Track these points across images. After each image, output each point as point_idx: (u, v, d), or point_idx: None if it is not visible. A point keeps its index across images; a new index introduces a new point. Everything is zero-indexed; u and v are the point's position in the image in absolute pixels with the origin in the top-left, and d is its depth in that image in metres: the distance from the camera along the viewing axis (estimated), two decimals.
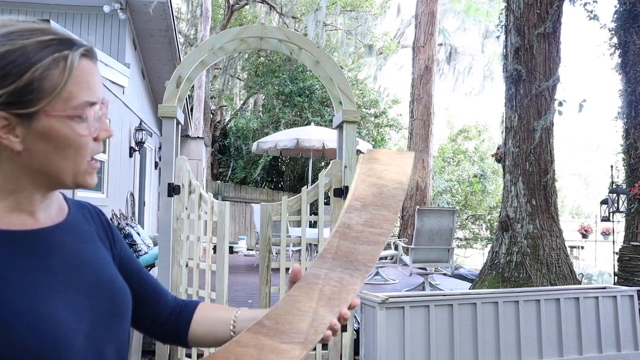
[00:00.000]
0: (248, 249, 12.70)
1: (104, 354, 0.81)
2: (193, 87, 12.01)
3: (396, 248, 7.77)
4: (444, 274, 8.53)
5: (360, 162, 0.96)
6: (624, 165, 6.64)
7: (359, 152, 9.70)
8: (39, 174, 0.77)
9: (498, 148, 6.78)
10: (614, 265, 6.15)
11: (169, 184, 3.72)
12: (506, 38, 6.41)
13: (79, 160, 0.78)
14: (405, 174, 0.93)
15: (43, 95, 0.73)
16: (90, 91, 0.77)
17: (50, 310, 0.73)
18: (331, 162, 3.88)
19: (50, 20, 5.16)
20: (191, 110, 13.29)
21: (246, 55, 16.38)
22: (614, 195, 6.19)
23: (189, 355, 3.73)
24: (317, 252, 4.56)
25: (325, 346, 3.83)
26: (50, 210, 0.83)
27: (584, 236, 14.45)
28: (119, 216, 6.56)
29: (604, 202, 6.41)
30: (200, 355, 3.64)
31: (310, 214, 3.96)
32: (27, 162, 0.75)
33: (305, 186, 3.98)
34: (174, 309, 1.02)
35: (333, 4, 17.24)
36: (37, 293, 0.73)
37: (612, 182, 6.58)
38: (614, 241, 7.10)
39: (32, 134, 0.74)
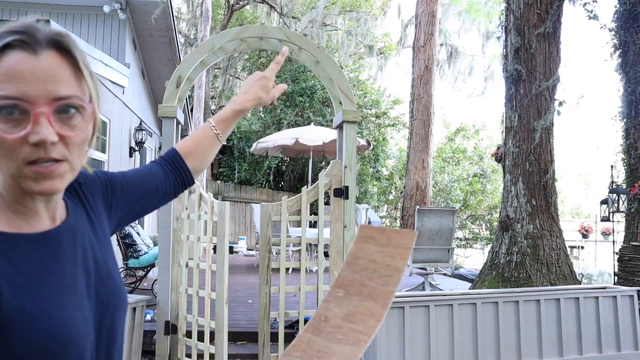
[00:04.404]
0: (248, 249, 12.71)
1: (111, 352, 0.82)
2: (193, 87, 12.01)
3: None
4: (444, 274, 8.52)
5: (354, 240, 0.82)
6: (624, 165, 6.64)
7: (359, 147, 9.70)
8: (3, 177, 0.75)
9: (498, 148, 6.78)
10: (614, 265, 6.15)
11: None
12: (506, 38, 6.41)
13: (8, 163, 0.71)
14: (404, 258, 0.79)
15: None
16: (6, 84, 0.69)
17: (62, 313, 0.73)
18: (331, 162, 3.88)
19: (50, 20, 5.16)
20: (191, 110, 13.30)
21: (246, 56, 16.39)
22: (614, 195, 6.19)
23: (189, 355, 3.73)
24: (317, 252, 4.56)
25: None
26: (54, 212, 0.82)
27: (584, 236, 14.45)
28: None
29: (604, 202, 6.40)
30: (199, 355, 3.64)
31: (310, 214, 3.96)
32: None
33: (305, 186, 3.98)
34: (167, 168, 1.09)
35: (332, 4, 17.25)
36: (51, 295, 0.73)
37: (612, 182, 6.58)
38: (614, 241, 7.11)
39: None
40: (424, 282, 6.63)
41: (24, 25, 0.72)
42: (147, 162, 11.06)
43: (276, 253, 8.09)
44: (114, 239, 6.17)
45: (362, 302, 0.76)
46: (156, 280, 4.61)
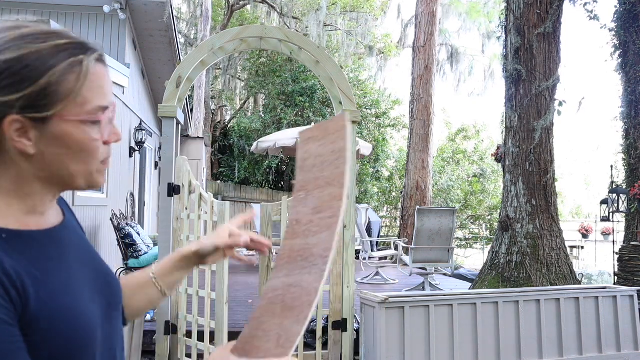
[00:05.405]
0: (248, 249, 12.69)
1: (114, 347, 0.84)
2: (193, 87, 12.01)
3: (396, 248, 7.77)
4: (444, 274, 8.53)
5: (298, 147, 0.87)
6: (624, 165, 6.64)
7: (359, 155, 9.71)
8: (52, 177, 0.77)
9: (498, 148, 6.78)
10: (614, 265, 6.15)
11: (169, 184, 3.72)
12: (506, 38, 6.41)
13: (91, 163, 0.79)
14: (343, 137, 0.80)
15: (58, 100, 0.73)
16: (103, 96, 0.78)
17: (80, 307, 0.76)
18: None
19: (50, 20, 5.16)
20: (191, 110, 13.30)
21: (247, 56, 16.39)
22: (614, 195, 6.19)
23: (188, 356, 3.73)
24: None
25: (325, 346, 3.83)
26: (54, 211, 0.85)
27: (584, 236, 14.45)
28: (119, 216, 6.56)
29: (604, 202, 6.41)
30: (200, 355, 3.64)
31: None
32: (40, 166, 0.75)
33: None
34: None
35: (333, 4, 17.26)
36: (68, 290, 0.75)
37: (612, 182, 6.58)
38: (614, 241, 7.10)
39: (45, 138, 0.74)
40: (424, 282, 6.63)
41: (85, 40, 0.80)
42: (147, 162, 11.01)
43: (276, 253, 8.08)
44: (114, 238, 6.17)
45: (322, 192, 0.79)
46: None
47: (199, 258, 1.03)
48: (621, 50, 6.55)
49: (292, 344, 0.71)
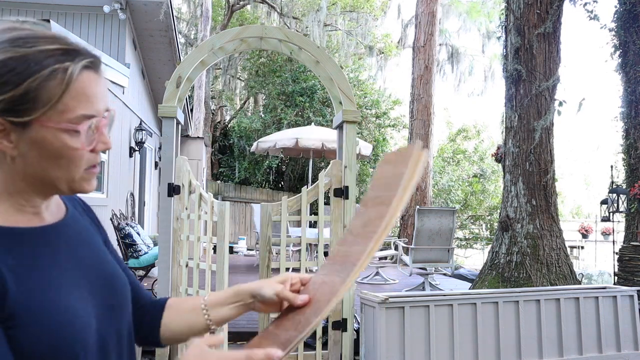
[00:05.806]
0: (248, 249, 12.70)
1: (107, 346, 0.83)
2: (193, 87, 12.01)
3: (396, 248, 7.76)
4: (444, 274, 8.53)
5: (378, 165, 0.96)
6: (624, 165, 6.63)
7: (359, 155, 9.72)
8: (35, 180, 0.78)
9: (498, 148, 6.78)
10: (614, 265, 6.15)
11: (169, 184, 3.72)
12: (506, 38, 6.41)
13: (72, 171, 0.78)
14: (407, 164, 0.85)
15: (38, 106, 0.72)
16: (88, 104, 0.76)
17: (66, 303, 0.75)
18: (331, 162, 3.88)
19: (50, 21, 5.16)
20: (191, 110, 13.30)
21: (247, 56, 16.39)
22: (614, 195, 6.19)
23: None
24: (317, 252, 4.56)
25: (325, 346, 3.83)
26: (52, 209, 0.85)
27: (584, 236, 14.45)
28: (119, 216, 6.55)
29: (604, 202, 6.40)
30: None
31: (310, 214, 3.97)
32: (22, 168, 0.76)
33: (305, 186, 3.98)
34: (147, 303, 1.01)
35: (333, 4, 17.25)
36: (53, 286, 0.75)
37: (612, 182, 6.57)
38: (614, 241, 7.10)
39: (25, 142, 0.74)
40: (424, 282, 6.63)
41: (78, 45, 0.78)
42: (147, 162, 11.06)
43: (276, 253, 8.09)
44: (114, 238, 6.17)
45: (374, 209, 0.88)
46: (156, 280, 4.61)
47: (253, 300, 0.93)
48: (621, 50, 6.55)
49: (306, 328, 0.81)
